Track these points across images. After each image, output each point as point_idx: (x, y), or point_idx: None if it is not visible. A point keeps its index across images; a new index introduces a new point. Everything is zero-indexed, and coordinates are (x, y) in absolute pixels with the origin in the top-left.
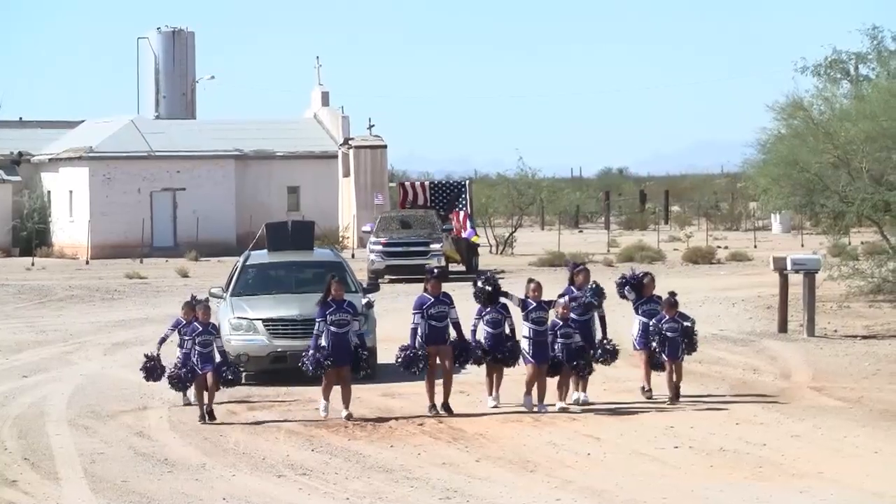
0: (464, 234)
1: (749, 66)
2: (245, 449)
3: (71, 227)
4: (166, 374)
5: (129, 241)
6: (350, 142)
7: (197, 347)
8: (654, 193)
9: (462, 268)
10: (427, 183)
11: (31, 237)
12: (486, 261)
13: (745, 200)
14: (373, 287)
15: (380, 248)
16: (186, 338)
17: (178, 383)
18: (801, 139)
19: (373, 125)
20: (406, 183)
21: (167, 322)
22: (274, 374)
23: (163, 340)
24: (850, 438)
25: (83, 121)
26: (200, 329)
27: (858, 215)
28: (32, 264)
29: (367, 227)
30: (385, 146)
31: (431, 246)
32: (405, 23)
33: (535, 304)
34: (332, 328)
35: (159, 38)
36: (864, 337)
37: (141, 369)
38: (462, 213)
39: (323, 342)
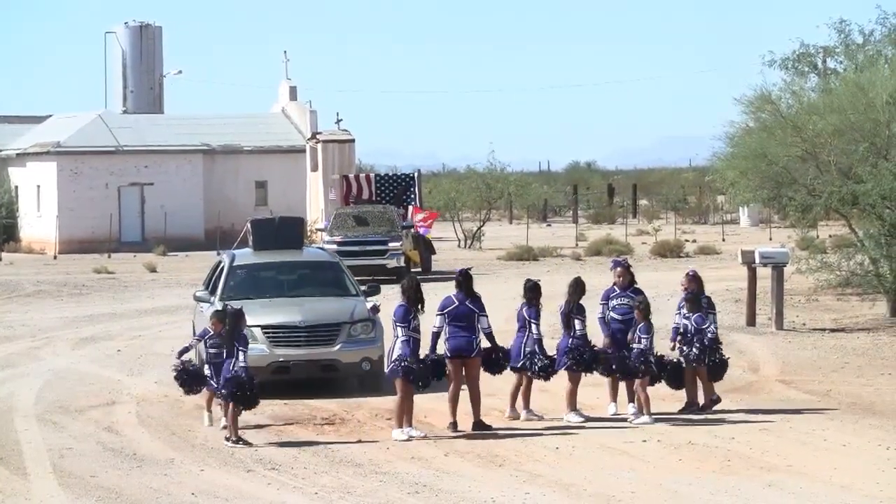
0: (422, 231)
1: (715, 62)
2: (214, 444)
3: (39, 222)
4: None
5: (97, 237)
6: (318, 136)
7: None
8: (622, 187)
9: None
10: (372, 175)
11: None
12: (454, 255)
13: (713, 194)
14: (373, 290)
15: (334, 247)
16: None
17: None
18: (770, 132)
19: (341, 119)
20: (350, 176)
21: (134, 317)
22: (275, 387)
23: (184, 351)
24: (819, 432)
25: (51, 115)
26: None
27: (826, 208)
28: (0, 259)
29: (321, 225)
30: (353, 140)
31: (390, 245)
32: (373, 18)
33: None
34: (414, 335)
35: (127, 32)
36: (833, 330)
37: (176, 378)
38: (414, 208)
39: (401, 350)
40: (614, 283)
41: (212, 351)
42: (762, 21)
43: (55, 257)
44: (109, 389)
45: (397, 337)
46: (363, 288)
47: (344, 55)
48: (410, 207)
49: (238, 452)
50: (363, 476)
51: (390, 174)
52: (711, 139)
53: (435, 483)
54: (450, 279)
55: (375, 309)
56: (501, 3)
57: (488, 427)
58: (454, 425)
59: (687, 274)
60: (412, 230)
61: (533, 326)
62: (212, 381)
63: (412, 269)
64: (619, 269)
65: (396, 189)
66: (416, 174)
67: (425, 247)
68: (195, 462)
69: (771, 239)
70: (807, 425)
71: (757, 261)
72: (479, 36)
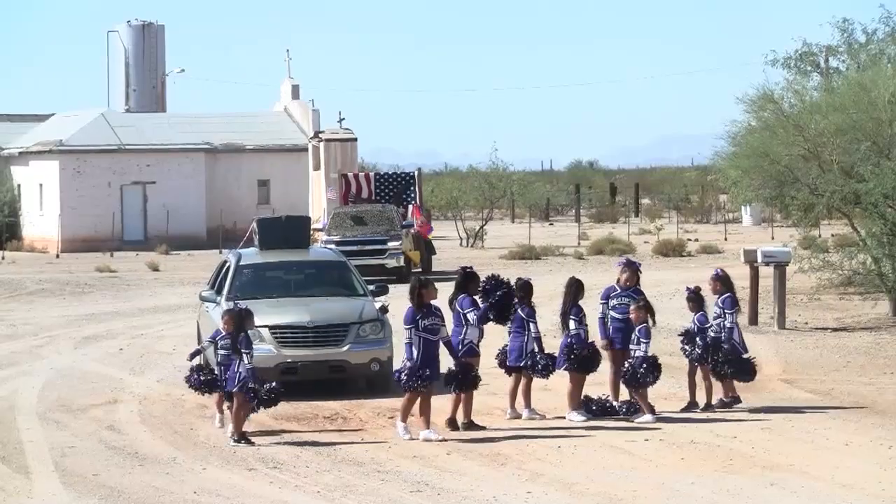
0: (428, 232)
1: (718, 61)
2: (216, 442)
3: (41, 220)
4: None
5: (100, 235)
6: (320, 135)
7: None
8: (625, 186)
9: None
10: (372, 174)
11: (1, 231)
12: (456, 254)
13: (715, 193)
14: (381, 290)
15: (332, 247)
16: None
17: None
18: (772, 131)
19: (343, 118)
20: (349, 174)
21: (136, 316)
22: (286, 390)
23: (196, 353)
24: (821, 431)
25: (53, 114)
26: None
27: (828, 207)
28: (2, 258)
29: (319, 225)
30: (355, 139)
31: (389, 244)
32: (374, 17)
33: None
34: (425, 335)
35: (129, 31)
36: (835, 329)
37: (190, 382)
38: (414, 207)
39: (414, 352)
40: (617, 282)
41: (222, 352)
42: (765, 20)
43: (57, 256)
44: (112, 388)
45: (412, 340)
46: (371, 288)
47: (346, 55)
48: (410, 206)
49: (240, 451)
50: (365, 475)
51: (390, 173)
52: (714, 138)
53: (437, 482)
54: (449, 279)
55: (384, 309)
56: (503, 2)
57: (458, 428)
58: (452, 422)
59: (714, 273)
60: (413, 229)
61: (531, 325)
62: (223, 382)
63: (413, 270)
64: (629, 270)
65: (396, 188)
66: (416, 173)
67: (426, 247)
68: (197, 460)
69: (773, 238)
70: (809, 424)
71: (759, 260)
72: (481, 35)
